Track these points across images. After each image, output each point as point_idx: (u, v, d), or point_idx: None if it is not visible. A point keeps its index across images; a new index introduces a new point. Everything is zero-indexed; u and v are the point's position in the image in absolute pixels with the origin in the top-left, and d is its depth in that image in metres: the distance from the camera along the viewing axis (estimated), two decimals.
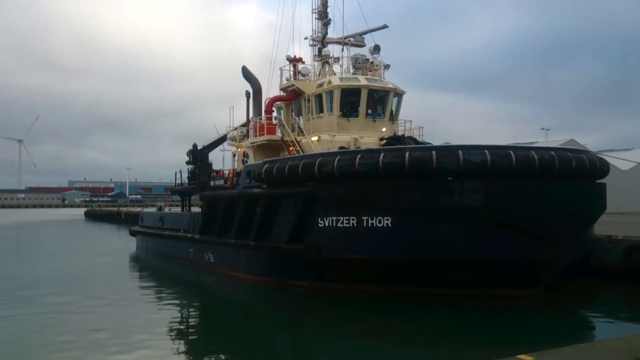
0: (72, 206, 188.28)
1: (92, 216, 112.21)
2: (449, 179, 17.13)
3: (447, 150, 17.45)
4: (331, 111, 25.35)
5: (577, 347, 7.31)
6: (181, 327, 16.62)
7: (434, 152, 17.21)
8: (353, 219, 18.49)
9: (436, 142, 23.86)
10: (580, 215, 18.33)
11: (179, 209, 38.88)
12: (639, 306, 19.26)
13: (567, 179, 17.68)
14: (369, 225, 18.14)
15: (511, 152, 17.06)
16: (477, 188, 16.93)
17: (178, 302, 20.90)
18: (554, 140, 60.19)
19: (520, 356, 6.66)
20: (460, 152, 17.00)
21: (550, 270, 18.59)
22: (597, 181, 19.50)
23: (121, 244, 45.73)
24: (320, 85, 26.18)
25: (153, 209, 49.91)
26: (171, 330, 15.84)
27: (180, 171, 35.73)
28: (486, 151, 16.96)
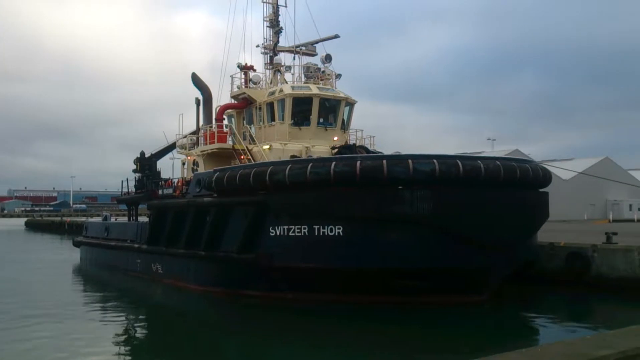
0: (11, 216, 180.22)
1: (33, 226, 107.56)
2: (400, 187, 17.36)
3: (398, 159, 17.71)
4: (283, 120, 25.30)
5: (520, 352, 7.45)
6: (127, 340, 16.07)
7: (384, 161, 17.41)
8: (304, 228, 18.45)
9: (386, 152, 24.17)
10: (524, 223, 18.91)
11: (125, 219, 37.84)
12: (580, 311, 20.04)
13: (511, 188, 18.23)
14: (321, 234, 18.14)
15: (459, 161, 17.46)
16: (427, 196, 17.23)
17: (124, 314, 20.25)
18: (499, 150, 62.28)
19: None
20: (410, 161, 17.28)
21: (496, 277, 19.07)
22: (540, 190, 20.19)
23: (64, 255, 43.96)
24: (272, 93, 26.10)
25: (98, 219, 48.34)
26: (117, 343, 15.30)
27: (127, 180, 34.75)
28: (435, 160, 17.30)
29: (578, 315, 19.44)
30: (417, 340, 14.90)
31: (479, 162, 17.79)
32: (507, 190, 18.15)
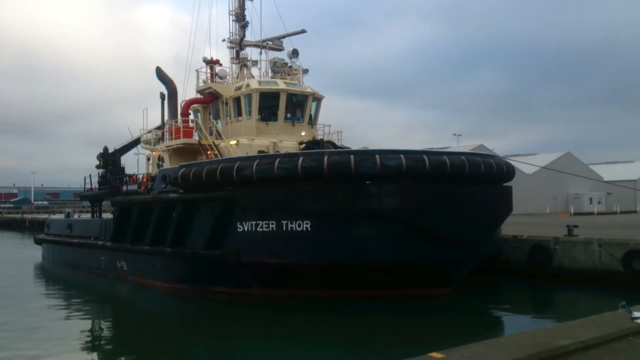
0: None
1: None
2: (367, 182, 17.44)
3: (365, 155, 17.77)
4: (250, 115, 25.10)
5: (485, 343, 7.60)
6: (93, 339, 15.75)
7: (352, 156, 17.46)
8: (272, 224, 18.36)
9: (354, 147, 24.23)
10: (489, 216, 19.26)
11: (89, 216, 37.06)
12: (543, 302, 20.55)
13: (476, 182, 18.53)
14: (289, 229, 18.09)
15: (425, 156, 17.64)
16: (394, 191, 17.36)
17: (89, 313, 19.85)
18: (465, 145, 63.20)
19: (431, 354, 6.81)
20: (377, 156, 17.37)
21: (461, 269, 19.39)
22: (504, 184, 20.57)
23: (25, 253, 42.79)
24: (239, 88, 25.86)
25: (61, 216, 47.22)
26: (82, 343, 14.97)
27: (90, 176, 34.03)
28: (402, 155, 17.43)
29: (540, 306, 19.93)
30: (384, 332, 15.02)
31: (445, 157, 18.01)
32: (472, 185, 18.43)
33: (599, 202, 68.25)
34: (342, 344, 14.15)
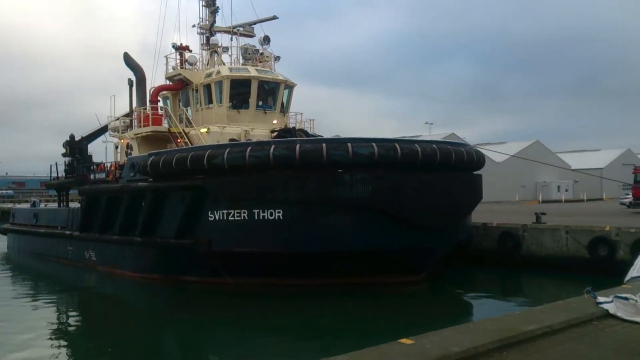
0: None
1: None
2: (339, 171, 17.42)
3: (337, 143, 17.74)
4: (221, 102, 24.77)
5: (454, 328, 7.67)
6: (60, 329, 15.45)
7: (324, 145, 17.41)
8: (244, 212, 18.23)
9: (326, 136, 24.17)
10: (459, 204, 19.45)
11: (55, 205, 36.29)
12: (511, 288, 20.92)
13: (447, 171, 18.67)
14: (261, 218, 17.98)
15: (397, 145, 17.69)
16: (366, 180, 17.38)
17: (56, 303, 19.46)
18: (436, 134, 63.75)
19: (401, 340, 6.84)
20: (349, 144, 17.35)
21: (432, 257, 19.59)
22: (474, 172, 20.79)
23: None
24: (209, 75, 25.48)
25: (27, 205, 46.13)
26: (49, 333, 14.64)
27: (57, 164, 33.27)
28: (374, 144, 17.45)
29: (509, 292, 20.29)
30: (356, 320, 15.10)
31: (417, 145, 18.09)
32: (443, 173, 18.57)
33: (567, 190, 69.73)
34: (314, 332, 14.17)
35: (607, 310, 8.77)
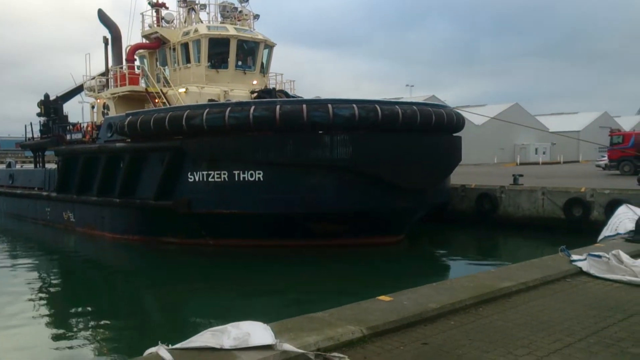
0: None
1: None
2: (320, 132, 17.33)
3: (318, 104, 17.58)
4: (199, 62, 24.27)
5: (431, 286, 7.84)
6: (39, 291, 15.33)
7: (304, 106, 17.25)
8: (224, 174, 18.13)
9: (306, 97, 23.89)
10: (439, 166, 19.58)
11: (31, 166, 35.69)
12: (487, 248, 21.35)
13: (427, 132, 18.70)
14: (241, 179, 17.92)
15: (377, 106, 17.60)
16: (346, 141, 17.34)
17: (35, 265, 19.30)
18: (417, 96, 63.58)
19: (380, 297, 6.97)
20: (330, 105, 17.22)
21: (412, 218, 19.81)
22: (454, 134, 20.87)
23: None
24: (187, 33, 24.86)
25: (2, 166, 45.30)
26: (28, 295, 14.56)
27: (32, 124, 32.55)
28: (354, 105, 17.34)
29: (485, 251, 20.72)
30: (335, 280, 15.29)
31: (397, 107, 18.03)
32: (423, 135, 18.60)
33: (544, 153, 70.64)
34: (293, 292, 14.31)
35: (580, 268, 9.03)
